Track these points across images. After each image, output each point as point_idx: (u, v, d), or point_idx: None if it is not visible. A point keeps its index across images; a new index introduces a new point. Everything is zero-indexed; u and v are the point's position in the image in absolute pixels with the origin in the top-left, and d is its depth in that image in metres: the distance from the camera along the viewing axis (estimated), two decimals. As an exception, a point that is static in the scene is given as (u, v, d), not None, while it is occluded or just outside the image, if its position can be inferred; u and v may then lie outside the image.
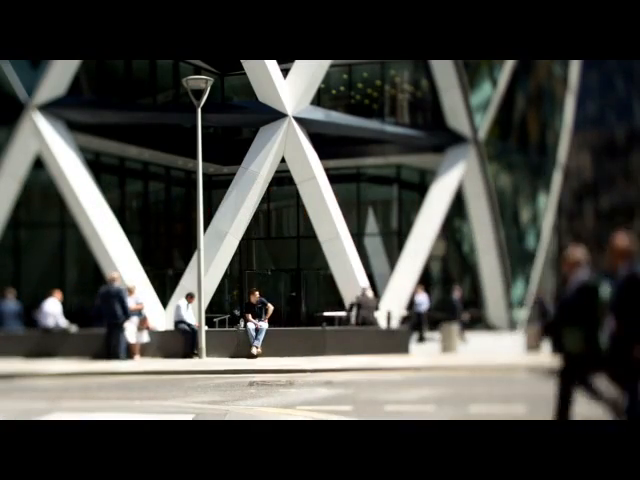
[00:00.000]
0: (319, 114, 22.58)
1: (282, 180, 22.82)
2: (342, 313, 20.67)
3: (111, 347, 16.86)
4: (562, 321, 7.61)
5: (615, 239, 7.00)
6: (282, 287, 26.32)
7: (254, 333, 17.22)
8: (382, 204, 28.02)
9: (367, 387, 12.78)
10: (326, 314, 20.39)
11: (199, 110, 17.51)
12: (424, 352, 18.85)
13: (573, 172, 55.09)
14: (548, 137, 32.87)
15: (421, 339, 22.36)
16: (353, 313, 19.64)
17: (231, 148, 23.93)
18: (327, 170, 22.02)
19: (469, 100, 24.72)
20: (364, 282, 21.04)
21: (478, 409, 9.68)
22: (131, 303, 17.39)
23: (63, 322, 18.17)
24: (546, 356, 15.39)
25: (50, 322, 17.96)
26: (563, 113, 33.57)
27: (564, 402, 7.40)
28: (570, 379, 7.47)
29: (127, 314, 17.06)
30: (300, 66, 20.78)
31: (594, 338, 6.99)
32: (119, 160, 24.19)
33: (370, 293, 20.16)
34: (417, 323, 22.22)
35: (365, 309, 19.51)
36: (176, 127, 23.89)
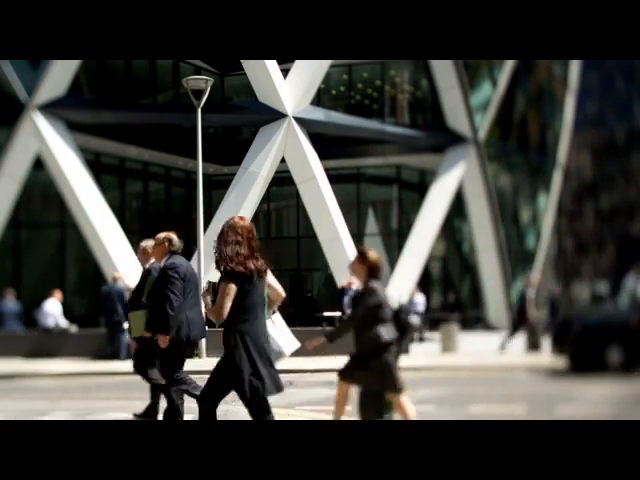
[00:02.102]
0: (319, 114, 22.57)
1: (282, 180, 22.82)
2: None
3: (113, 347, 16.88)
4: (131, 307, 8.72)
5: (157, 237, 8.00)
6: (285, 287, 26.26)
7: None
8: (382, 204, 28.04)
9: (367, 387, 12.75)
10: (326, 314, 20.36)
11: (199, 110, 17.51)
12: (424, 352, 18.84)
13: (573, 172, 55.08)
14: (548, 137, 32.87)
15: (420, 339, 22.37)
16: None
17: (231, 148, 23.94)
18: (327, 170, 22.02)
19: (469, 100, 24.72)
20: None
21: (478, 409, 9.68)
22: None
23: (63, 322, 18.17)
24: (546, 356, 15.41)
25: (50, 322, 17.96)
26: (563, 113, 33.58)
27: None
28: (142, 364, 8.40)
29: (127, 313, 17.06)
30: (300, 66, 20.78)
31: (162, 321, 7.57)
32: (119, 160, 24.19)
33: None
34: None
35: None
36: (176, 127, 23.89)
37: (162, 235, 7.98)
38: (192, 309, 7.85)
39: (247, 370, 5.56)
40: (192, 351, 17.31)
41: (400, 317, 7.29)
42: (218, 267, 5.67)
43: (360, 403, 7.59)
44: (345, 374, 7.50)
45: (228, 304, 5.51)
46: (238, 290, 5.55)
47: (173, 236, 7.94)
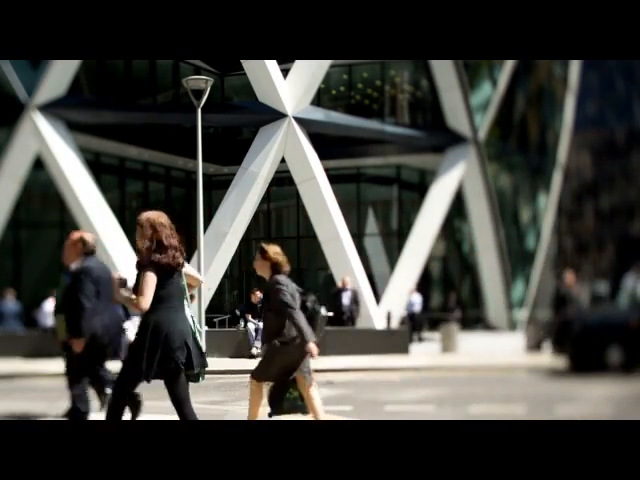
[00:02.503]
0: (319, 114, 22.56)
1: (282, 180, 22.80)
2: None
3: (113, 347, 16.88)
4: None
5: (70, 238, 7.81)
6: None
7: (254, 333, 17.19)
8: (382, 204, 28.01)
9: (367, 387, 12.78)
10: (329, 314, 20.39)
11: (199, 110, 17.50)
12: (424, 352, 18.85)
13: (573, 172, 55.05)
14: (548, 137, 32.85)
15: (419, 339, 22.37)
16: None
17: (231, 148, 23.92)
18: (327, 170, 22.00)
19: (469, 100, 24.71)
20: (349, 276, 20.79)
21: (478, 409, 9.68)
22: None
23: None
24: (546, 356, 15.41)
25: (50, 322, 17.95)
26: (563, 113, 33.56)
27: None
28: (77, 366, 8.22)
29: (128, 314, 17.06)
30: (300, 66, 20.77)
31: (75, 325, 7.49)
32: (119, 160, 24.18)
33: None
34: (411, 324, 22.23)
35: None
36: (176, 127, 23.87)
37: (75, 236, 7.86)
38: (106, 311, 7.77)
39: (144, 355, 5.74)
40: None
41: (307, 307, 7.37)
42: (149, 256, 5.77)
43: (269, 396, 7.68)
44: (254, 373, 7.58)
45: (150, 294, 5.71)
46: (158, 280, 5.74)
47: (87, 236, 7.81)
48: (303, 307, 7.39)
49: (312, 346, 7.23)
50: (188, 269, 6.12)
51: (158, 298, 5.76)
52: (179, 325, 5.88)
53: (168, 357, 5.81)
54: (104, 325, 7.70)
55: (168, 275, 5.80)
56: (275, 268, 7.31)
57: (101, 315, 7.65)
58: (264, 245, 7.47)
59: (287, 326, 7.29)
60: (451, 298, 25.76)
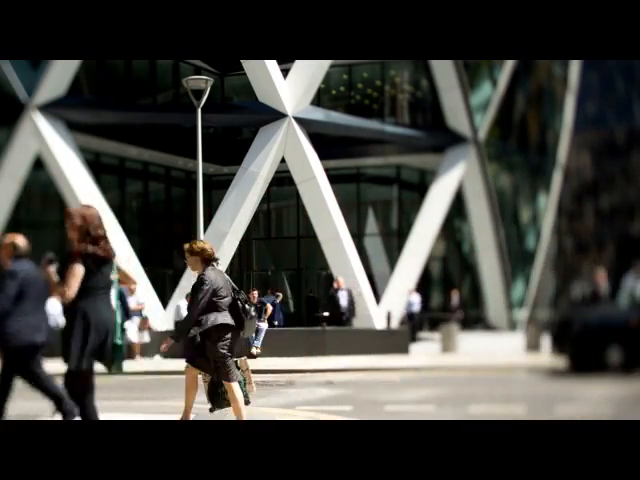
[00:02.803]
0: (319, 114, 22.57)
1: (282, 180, 22.81)
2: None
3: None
4: None
5: (3, 241, 7.64)
6: (286, 287, 26.26)
7: (254, 333, 17.21)
8: (382, 204, 28.01)
9: (367, 387, 12.78)
10: (326, 314, 20.41)
11: (199, 110, 17.50)
12: (424, 352, 18.86)
13: (573, 172, 55.04)
14: (548, 137, 32.86)
15: (417, 339, 22.38)
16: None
17: (231, 148, 23.93)
18: (327, 170, 22.01)
19: (469, 100, 24.71)
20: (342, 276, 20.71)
21: (478, 409, 9.68)
22: (132, 303, 17.40)
23: (63, 322, 18.17)
24: (546, 356, 15.41)
25: (50, 322, 17.94)
26: (563, 113, 33.56)
27: None
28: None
29: (129, 315, 17.09)
30: (300, 66, 20.78)
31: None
32: (119, 160, 24.18)
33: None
34: (411, 324, 22.23)
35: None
36: (176, 127, 23.87)
37: (7, 239, 7.92)
38: (35, 313, 7.81)
39: (77, 343, 6.14)
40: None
41: (237, 304, 7.41)
42: (78, 247, 5.94)
43: (208, 391, 7.76)
44: (190, 358, 7.70)
45: (76, 284, 5.91)
46: (86, 271, 5.94)
47: (19, 240, 7.85)
48: (233, 305, 7.43)
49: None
50: (124, 269, 6.28)
51: (85, 288, 5.97)
52: (104, 314, 6.13)
53: (95, 344, 6.11)
54: (29, 327, 7.75)
55: (96, 266, 5.99)
56: (206, 262, 7.43)
57: (26, 317, 7.71)
58: (190, 242, 7.59)
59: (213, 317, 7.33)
60: (454, 297, 25.74)
